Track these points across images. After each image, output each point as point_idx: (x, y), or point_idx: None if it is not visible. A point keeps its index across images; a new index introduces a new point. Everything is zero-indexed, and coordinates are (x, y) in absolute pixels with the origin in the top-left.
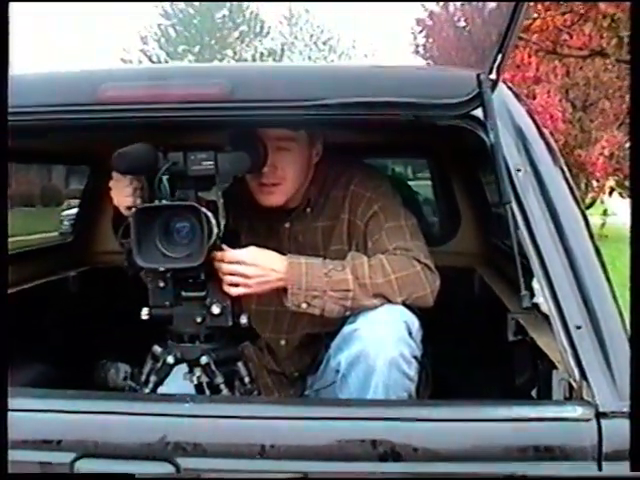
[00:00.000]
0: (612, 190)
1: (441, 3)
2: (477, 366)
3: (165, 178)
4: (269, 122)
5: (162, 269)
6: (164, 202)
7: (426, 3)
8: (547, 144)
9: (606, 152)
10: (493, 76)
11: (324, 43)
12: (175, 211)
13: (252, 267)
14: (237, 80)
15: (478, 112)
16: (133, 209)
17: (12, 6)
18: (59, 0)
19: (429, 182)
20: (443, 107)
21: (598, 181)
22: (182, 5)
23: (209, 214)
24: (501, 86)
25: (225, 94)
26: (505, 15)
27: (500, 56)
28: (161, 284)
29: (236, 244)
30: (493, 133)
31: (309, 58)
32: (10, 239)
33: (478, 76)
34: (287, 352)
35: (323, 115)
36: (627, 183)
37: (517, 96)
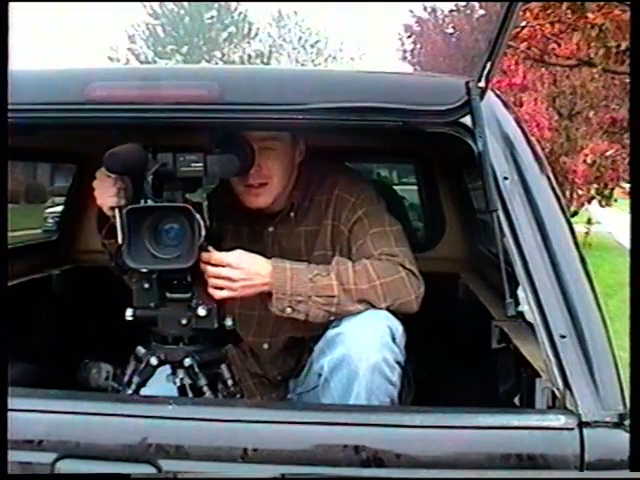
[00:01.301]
0: (592, 198)
1: (429, 9)
2: (460, 373)
3: (150, 179)
4: (258, 125)
5: (146, 270)
6: (150, 202)
7: (414, 9)
8: (534, 152)
9: (588, 160)
10: (482, 84)
11: (312, 46)
12: (166, 212)
13: (237, 270)
14: (227, 83)
15: (466, 119)
16: (116, 209)
17: (12, 6)
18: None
19: (414, 187)
20: (431, 114)
21: (581, 189)
22: (171, 5)
23: (198, 216)
24: (489, 94)
25: (214, 96)
26: (495, 22)
27: (489, 64)
28: (146, 285)
29: (220, 247)
30: (481, 141)
31: (296, 61)
32: None
33: (467, 83)
34: (270, 356)
35: (312, 119)
36: (606, 192)
37: (505, 104)
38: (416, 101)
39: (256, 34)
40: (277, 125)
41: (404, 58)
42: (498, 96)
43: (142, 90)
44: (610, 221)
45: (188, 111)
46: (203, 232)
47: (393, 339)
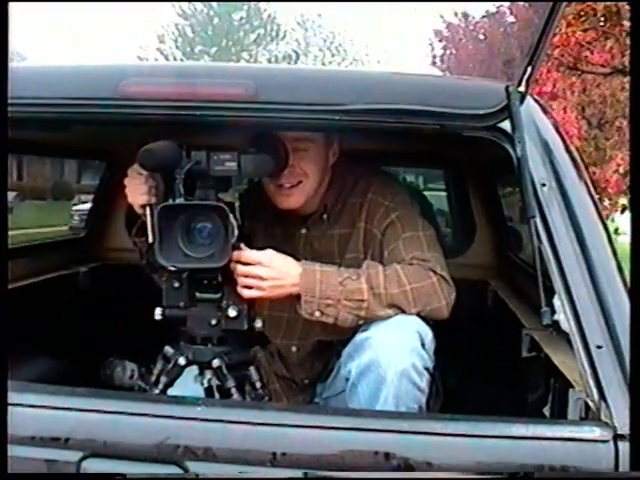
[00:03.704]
0: (624, 208)
1: (460, 15)
2: (488, 381)
3: (182, 177)
4: (293, 125)
5: (177, 268)
6: (180, 201)
7: (445, 15)
8: (572, 159)
9: (621, 170)
10: (522, 88)
11: (337, 49)
12: (198, 210)
13: (267, 269)
14: (263, 81)
15: (505, 124)
16: (147, 207)
17: (14, 5)
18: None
19: (440, 192)
20: (470, 118)
21: (610, 199)
22: (200, 6)
23: (231, 215)
24: (528, 99)
25: (250, 95)
26: (537, 26)
27: (530, 68)
28: (176, 284)
29: (251, 247)
30: (520, 146)
31: (322, 63)
32: (21, 231)
33: (507, 88)
34: (298, 359)
35: (347, 121)
36: None
37: (544, 109)
38: (454, 104)
39: (284, 36)
40: (313, 125)
41: (434, 63)
42: (537, 101)
43: (177, 87)
44: None
45: (223, 109)
46: (236, 232)
47: (422, 345)
